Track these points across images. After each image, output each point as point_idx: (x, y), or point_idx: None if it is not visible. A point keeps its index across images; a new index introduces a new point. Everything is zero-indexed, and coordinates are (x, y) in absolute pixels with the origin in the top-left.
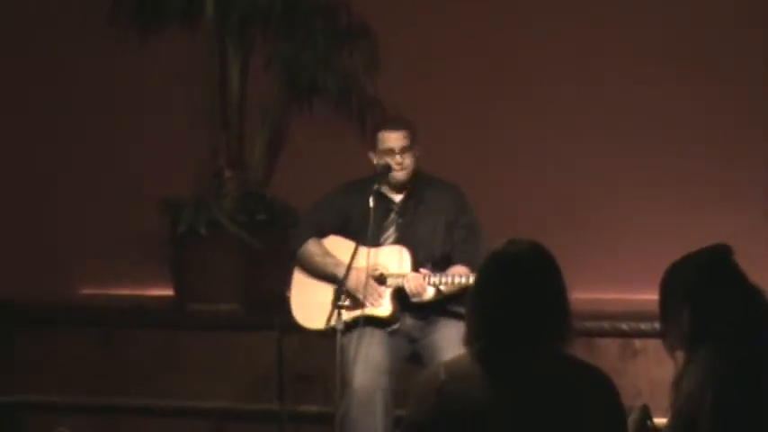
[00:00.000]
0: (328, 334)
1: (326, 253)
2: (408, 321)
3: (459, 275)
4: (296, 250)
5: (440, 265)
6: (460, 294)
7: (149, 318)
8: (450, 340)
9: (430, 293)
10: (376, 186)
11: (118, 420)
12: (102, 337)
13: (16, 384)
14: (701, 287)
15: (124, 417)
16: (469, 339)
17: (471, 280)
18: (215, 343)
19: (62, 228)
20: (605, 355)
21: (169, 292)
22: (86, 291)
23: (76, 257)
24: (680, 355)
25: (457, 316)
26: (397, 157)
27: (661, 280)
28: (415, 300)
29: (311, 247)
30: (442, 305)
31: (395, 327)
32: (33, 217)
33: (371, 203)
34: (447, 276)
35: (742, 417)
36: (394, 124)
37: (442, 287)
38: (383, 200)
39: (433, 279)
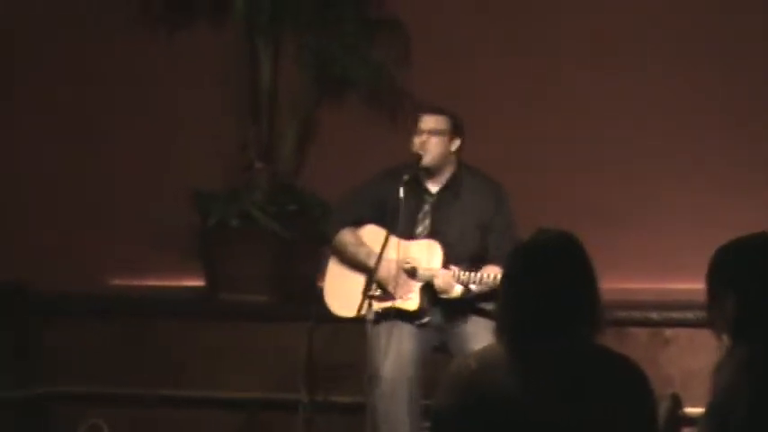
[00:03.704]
0: (360, 321)
1: (360, 242)
2: (438, 314)
3: (489, 274)
4: (331, 238)
5: (470, 265)
6: (490, 293)
7: (180, 308)
8: (477, 331)
9: (458, 291)
10: (406, 177)
11: (148, 411)
12: (133, 328)
13: (46, 376)
14: (747, 274)
15: (155, 408)
16: (500, 329)
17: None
18: (246, 334)
19: (94, 219)
20: (635, 344)
21: (200, 283)
22: (117, 281)
23: (108, 248)
24: (726, 338)
25: (485, 314)
26: (423, 136)
27: (709, 263)
28: (443, 296)
29: (345, 236)
30: (471, 303)
31: (423, 321)
32: (66, 208)
33: (401, 194)
34: (477, 274)
35: None
36: (431, 108)
37: (471, 286)
38: (419, 189)
39: (462, 277)
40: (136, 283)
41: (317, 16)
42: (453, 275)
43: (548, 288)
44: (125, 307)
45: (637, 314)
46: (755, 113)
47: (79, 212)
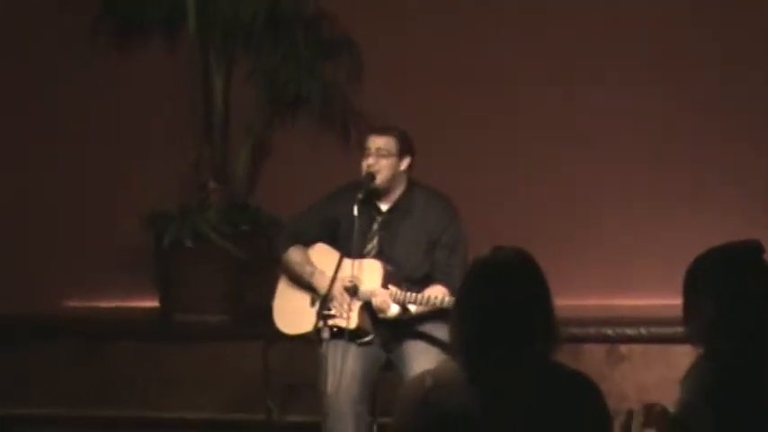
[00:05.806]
0: (312, 339)
1: (306, 261)
2: (382, 332)
3: (429, 295)
4: (280, 256)
5: (419, 283)
6: (431, 315)
7: (135, 329)
8: (419, 351)
9: (394, 311)
10: (361, 195)
11: None
12: (88, 349)
13: (1, 397)
14: (722, 280)
15: (110, 429)
16: (455, 346)
17: (446, 301)
18: (201, 354)
19: (48, 240)
20: (591, 360)
21: (155, 303)
22: (72, 303)
23: (62, 270)
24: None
25: (424, 337)
26: (370, 159)
27: (686, 271)
28: (380, 316)
29: (292, 254)
30: (410, 325)
31: (365, 340)
32: (18, 230)
33: (356, 212)
34: (416, 295)
35: None
36: (380, 129)
37: (410, 306)
38: (370, 208)
39: (398, 296)
40: (90, 304)
41: (270, 35)
42: (391, 295)
43: (503, 305)
44: (79, 329)
45: (592, 330)
46: (712, 139)
47: (33, 234)
